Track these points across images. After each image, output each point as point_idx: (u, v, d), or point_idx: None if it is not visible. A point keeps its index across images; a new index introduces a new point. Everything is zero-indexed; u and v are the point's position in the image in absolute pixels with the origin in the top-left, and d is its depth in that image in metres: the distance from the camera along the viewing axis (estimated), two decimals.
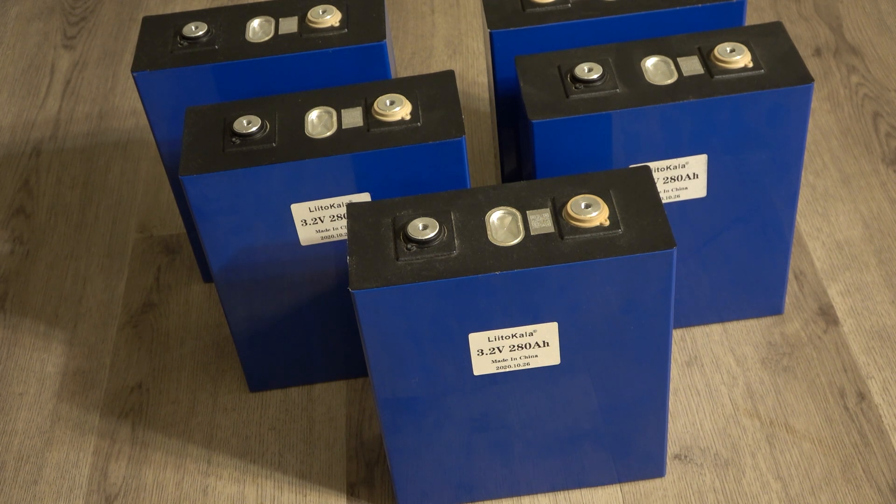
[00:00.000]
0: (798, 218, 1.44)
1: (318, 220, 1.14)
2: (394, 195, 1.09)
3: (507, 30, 1.23)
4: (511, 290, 0.98)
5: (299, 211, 1.13)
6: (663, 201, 1.13)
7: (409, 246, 0.99)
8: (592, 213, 0.99)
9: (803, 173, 1.41)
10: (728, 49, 1.14)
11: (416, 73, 1.67)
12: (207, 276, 1.45)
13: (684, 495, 1.16)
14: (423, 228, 1.00)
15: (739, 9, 1.23)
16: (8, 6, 2.03)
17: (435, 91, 1.15)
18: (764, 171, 1.18)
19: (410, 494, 1.16)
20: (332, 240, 1.16)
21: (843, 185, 1.49)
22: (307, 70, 1.23)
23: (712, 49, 1.15)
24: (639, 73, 1.15)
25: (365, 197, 1.12)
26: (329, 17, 1.25)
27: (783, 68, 1.14)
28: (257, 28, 1.26)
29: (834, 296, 1.35)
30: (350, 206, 1.04)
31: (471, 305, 0.99)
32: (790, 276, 1.37)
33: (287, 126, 1.13)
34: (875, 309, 1.33)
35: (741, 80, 1.13)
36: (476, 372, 1.04)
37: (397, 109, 1.12)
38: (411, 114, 1.12)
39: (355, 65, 1.23)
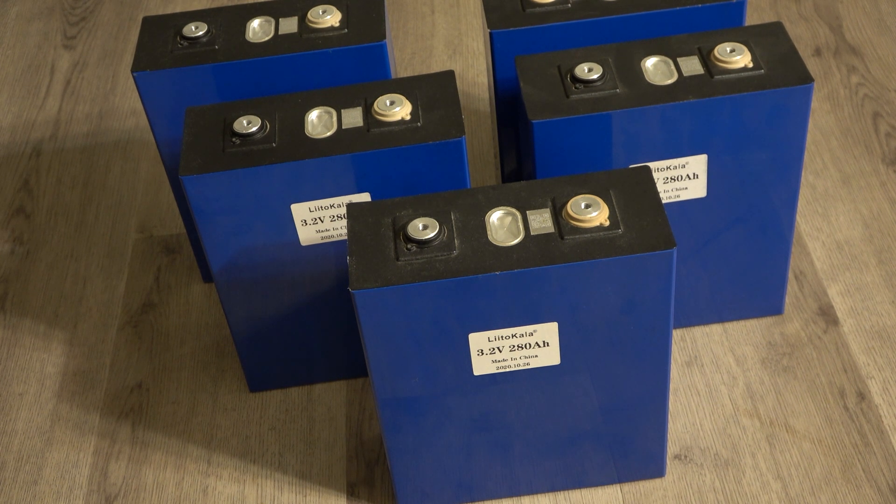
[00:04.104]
0: (798, 218, 1.44)
1: (318, 220, 1.14)
2: (394, 195, 1.09)
3: (507, 30, 1.23)
4: (511, 290, 0.98)
5: (299, 211, 1.13)
6: (663, 201, 1.13)
7: (409, 246, 0.99)
8: (592, 213, 0.99)
9: (803, 173, 1.41)
10: (728, 49, 1.14)
11: (416, 73, 1.67)
12: (207, 276, 1.45)
13: (684, 495, 1.16)
14: (423, 228, 1.00)
15: (739, 9, 1.23)
16: (8, 6, 2.03)
17: (435, 91, 1.15)
18: (764, 171, 1.18)
19: (410, 494, 1.16)
20: (332, 240, 1.16)
21: (843, 185, 1.49)
22: (307, 70, 1.23)
23: (712, 49, 1.15)
24: (639, 73, 1.15)
25: (365, 197, 1.12)
26: (329, 17, 1.25)
27: (783, 68, 1.14)
28: (257, 28, 1.26)
29: (834, 296, 1.35)
30: (350, 206, 1.04)
31: (471, 305, 0.99)
32: (790, 276, 1.37)
33: (287, 126, 1.13)
34: (875, 309, 1.33)
35: (741, 80, 1.13)
36: (476, 372, 1.04)
37: (397, 109, 1.12)
38: (411, 114, 1.12)
39: (355, 65, 1.23)
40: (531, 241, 0.99)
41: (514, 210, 1.02)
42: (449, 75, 1.17)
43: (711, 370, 1.28)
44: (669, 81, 1.13)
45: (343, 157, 1.10)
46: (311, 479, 1.22)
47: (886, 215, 1.45)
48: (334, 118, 1.13)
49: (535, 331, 1.01)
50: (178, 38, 1.25)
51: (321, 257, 1.18)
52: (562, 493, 1.18)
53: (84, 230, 1.56)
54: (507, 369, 1.04)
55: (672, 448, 1.20)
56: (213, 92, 1.24)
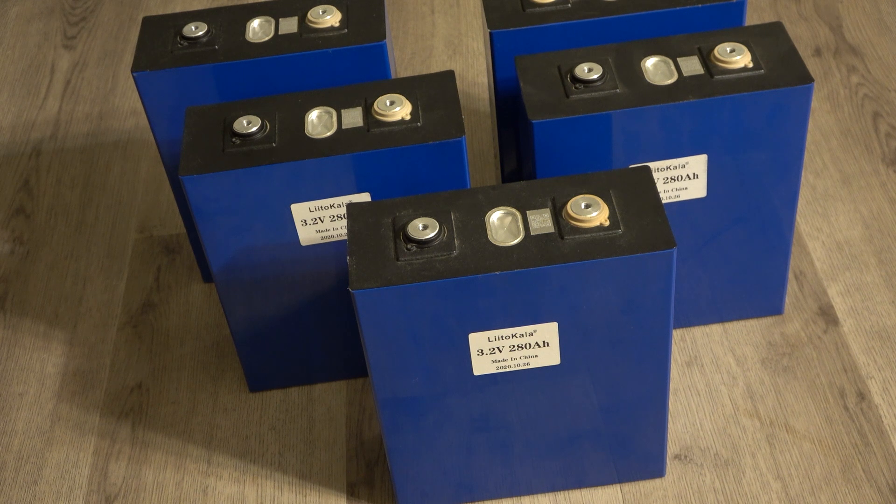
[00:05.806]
0: (798, 218, 1.44)
1: (318, 220, 1.14)
2: (394, 195, 1.09)
3: (507, 30, 1.23)
4: (511, 290, 0.98)
5: (299, 211, 1.13)
6: (663, 201, 1.13)
7: (409, 246, 0.99)
8: (592, 213, 0.99)
9: (803, 173, 1.41)
10: (728, 49, 1.14)
11: (416, 73, 1.67)
12: (207, 276, 1.45)
13: (684, 495, 1.16)
14: (423, 228, 1.00)
15: (739, 9, 1.23)
16: (8, 6, 2.03)
17: (435, 91, 1.15)
18: (764, 171, 1.18)
19: (410, 494, 1.16)
20: (332, 240, 1.16)
21: (843, 185, 1.49)
22: (307, 70, 1.23)
23: (712, 49, 1.15)
24: (639, 73, 1.15)
25: (365, 197, 1.12)
26: (329, 17, 1.25)
27: (783, 68, 1.14)
28: (257, 28, 1.26)
29: (834, 296, 1.35)
30: (350, 206, 1.04)
31: (471, 305, 0.99)
32: (790, 276, 1.37)
33: (287, 126, 1.13)
34: (875, 309, 1.33)
35: (741, 80, 1.13)
36: (476, 372, 1.04)
37: (397, 109, 1.12)
38: (411, 114, 1.12)
39: (355, 65, 1.23)
40: (531, 241, 0.99)
41: (514, 210, 1.02)
42: (449, 75, 1.17)
43: (711, 370, 1.28)
44: (669, 81, 1.13)
45: (343, 157, 1.10)
46: (311, 479, 1.22)
47: (886, 215, 1.45)
48: (334, 118, 1.13)
49: (535, 331, 1.01)
50: (178, 38, 1.25)
51: (321, 257, 1.18)
52: (562, 493, 1.18)
53: (84, 230, 1.56)
54: (507, 369, 1.04)
55: (672, 448, 1.20)
56: (213, 92, 1.24)
